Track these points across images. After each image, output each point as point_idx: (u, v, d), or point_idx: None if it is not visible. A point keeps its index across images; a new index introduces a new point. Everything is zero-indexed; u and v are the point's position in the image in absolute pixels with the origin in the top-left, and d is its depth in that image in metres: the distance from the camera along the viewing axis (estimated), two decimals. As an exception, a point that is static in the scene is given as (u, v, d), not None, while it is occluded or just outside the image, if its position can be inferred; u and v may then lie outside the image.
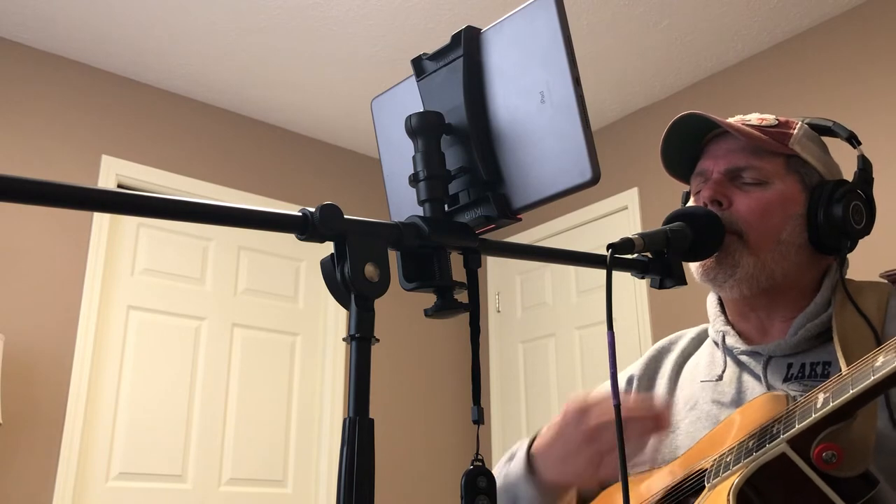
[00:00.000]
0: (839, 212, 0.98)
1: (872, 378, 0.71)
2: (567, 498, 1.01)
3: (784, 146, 1.02)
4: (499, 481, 1.04)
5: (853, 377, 0.74)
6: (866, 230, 1.00)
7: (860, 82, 2.87)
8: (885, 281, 1.19)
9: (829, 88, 2.95)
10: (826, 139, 1.09)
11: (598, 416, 0.91)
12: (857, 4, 2.93)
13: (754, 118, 1.06)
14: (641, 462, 1.04)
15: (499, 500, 1.02)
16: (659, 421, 0.91)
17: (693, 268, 1.03)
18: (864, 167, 1.02)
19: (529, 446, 1.01)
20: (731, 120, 1.05)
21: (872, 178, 1.03)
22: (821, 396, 0.76)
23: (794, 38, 3.11)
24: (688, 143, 1.09)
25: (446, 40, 0.72)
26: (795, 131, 1.03)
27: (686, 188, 1.13)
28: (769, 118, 1.05)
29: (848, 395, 0.72)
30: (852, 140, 1.04)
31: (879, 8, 2.88)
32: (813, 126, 1.07)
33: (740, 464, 0.79)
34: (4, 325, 2.86)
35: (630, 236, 0.86)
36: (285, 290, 3.73)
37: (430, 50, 0.74)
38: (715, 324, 1.10)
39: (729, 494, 0.76)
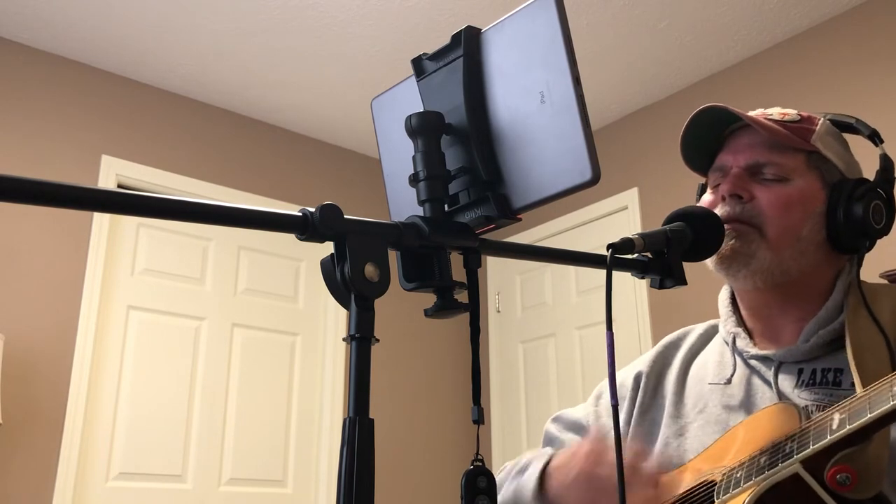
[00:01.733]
0: (859, 211, 0.96)
1: (891, 403, 0.70)
2: None
3: (806, 142, 1.00)
4: (508, 489, 1.03)
5: (871, 399, 0.72)
6: (885, 230, 0.99)
7: (860, 82, 2.87)
8: (879, 279, 1.19)
9: (830, 88, 2.95)
10: (846, 136, 1.07)
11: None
12: (857, 4, 2.93)
13: (776, 112, 1.04)
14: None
15: None
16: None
17: (707, 259, 1.00)
18: (886, 166, 1.00)
19: (545, 466, 1.00)
20: (751, 113, 1.03)
21: (894, 178, 1.00)
22: (836, 417, 0.75)
23: (794, 38, 3.11)
24: (708, 135, 1.07)
25: (446, 40, 0.72)
26: (818, 127, 1.01)
27: (702, 180, 1.11)
28: (791, 113, 1.03)
29: (865, 419, 0.71)
30: (874, 138, 1.02)
31: (879, 8, 2.87)
32: (835, 122, 1.05)
33: (752, 481, 0.78)
34: (4, 325, 2.86)
35: (630, 236, 0.86)
36: (285, 290, 3.73)
37: (430, 50, 0.74)
38: (726, 324, 1.08)
39: None
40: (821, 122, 1.03)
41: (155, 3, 2.94)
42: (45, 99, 3.19)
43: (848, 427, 0.72)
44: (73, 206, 0.53)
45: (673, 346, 1.17)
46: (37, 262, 3.02)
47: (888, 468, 0.82)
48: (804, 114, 1.04)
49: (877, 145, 1.02)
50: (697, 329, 1.17)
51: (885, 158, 1.01)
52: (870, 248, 0.99)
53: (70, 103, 3.25)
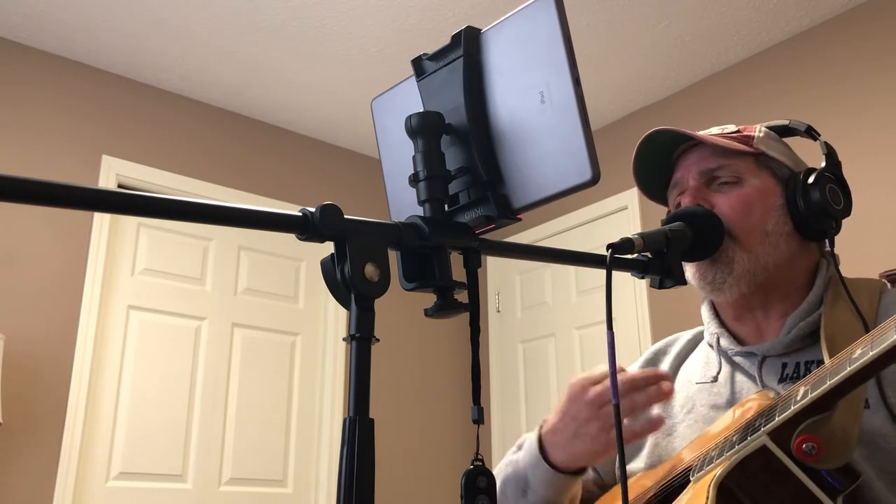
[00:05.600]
0: (817, 195, 1.00)
1: (849, 369, 0.72)
2: (574, 490, 1.01)
3: (749, 146, 1.05)
4: (507, 470, 1.05)
5: (832, 369, 0.75)
6: (846, 210, 1.02)
7: (860, 82, 2.87)
8: (878, 278, 1.20)
9: (829, 88, 2.95)
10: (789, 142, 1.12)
11: (602, 391, 0.91)
12: (856, 4, 2.93)
13: (715, 129, 1.09)
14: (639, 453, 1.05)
15: (507, 488, 1.03)
16: (662, 390, 0.90)
17: (689, 276, 1.03)
18: (830, 152, 1.04)
19: (540, 432, 1.02)
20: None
21: (839, 162, 1.05)
22: (801, 389, 0.77)
23: (794, 38, 3.11)
24: (658, 163, 1.12)
25: (446, 40, 0.72)
26: (756, 133, 1.07)
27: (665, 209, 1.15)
28: (729, 127, 1.09)
29: (825, 386, 0.73)
30: (811, 131, 1.07)
31: (879, 8, 2.88)
32: (771, 128, 1.10)
33: (723, 457, 0.80)
34: (4, 325, 2.86)
35: (630, 236, 0.86)
36: (285, 290, 3.73)
37: (430, 50, 0.74)
38: (709, 327, 1.10)
39: (709, 487, 0.76)
40: (758, 128, 1.08)
41: (155, 3, 2.94)
42: (45, 99, 3.19)
43: (810, 396, 0.74)
44: (73, 206, 0.53)
45: (661, 353, 1.19)
46: (37, 262, 3.03)
47: (874, 454, 0.84)
48: (740, 126, 1.09)
49: (815, 139, 1.06)
50: (685, 335, 1.20)
51: (826, 146, 1.05)
52: (837, 231, 1.02)
53: (70, 103, 3.25)
